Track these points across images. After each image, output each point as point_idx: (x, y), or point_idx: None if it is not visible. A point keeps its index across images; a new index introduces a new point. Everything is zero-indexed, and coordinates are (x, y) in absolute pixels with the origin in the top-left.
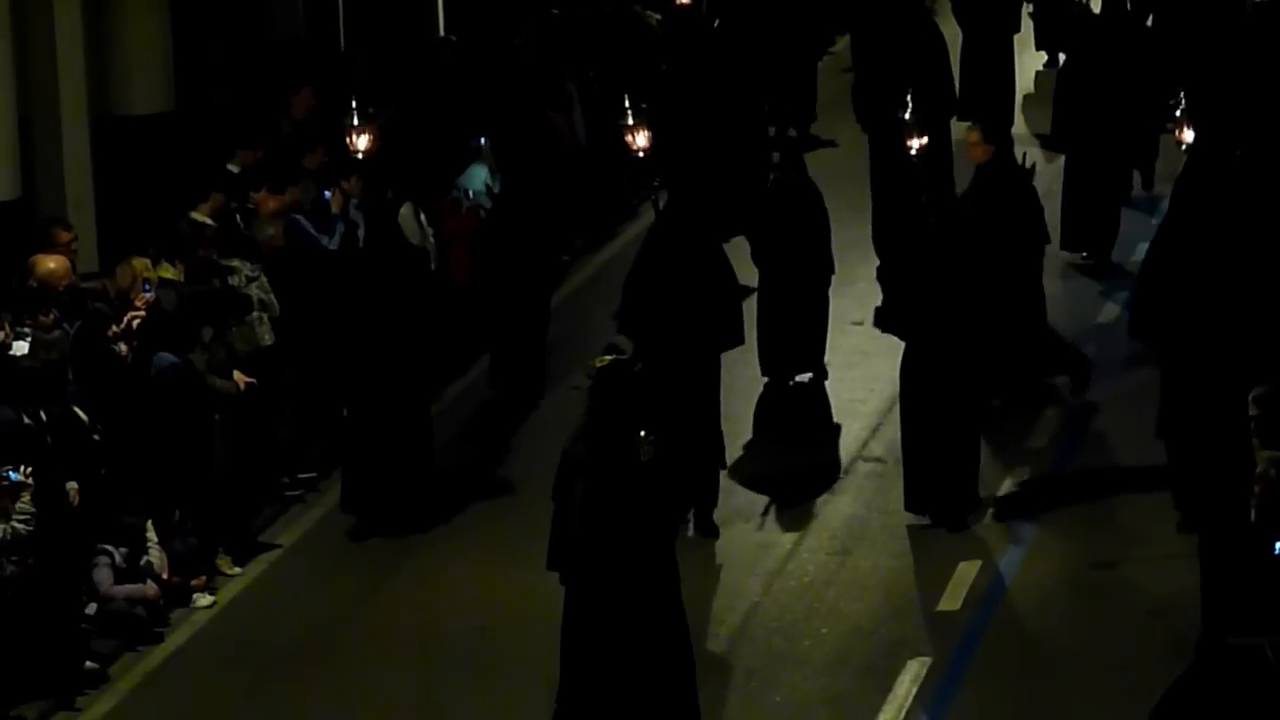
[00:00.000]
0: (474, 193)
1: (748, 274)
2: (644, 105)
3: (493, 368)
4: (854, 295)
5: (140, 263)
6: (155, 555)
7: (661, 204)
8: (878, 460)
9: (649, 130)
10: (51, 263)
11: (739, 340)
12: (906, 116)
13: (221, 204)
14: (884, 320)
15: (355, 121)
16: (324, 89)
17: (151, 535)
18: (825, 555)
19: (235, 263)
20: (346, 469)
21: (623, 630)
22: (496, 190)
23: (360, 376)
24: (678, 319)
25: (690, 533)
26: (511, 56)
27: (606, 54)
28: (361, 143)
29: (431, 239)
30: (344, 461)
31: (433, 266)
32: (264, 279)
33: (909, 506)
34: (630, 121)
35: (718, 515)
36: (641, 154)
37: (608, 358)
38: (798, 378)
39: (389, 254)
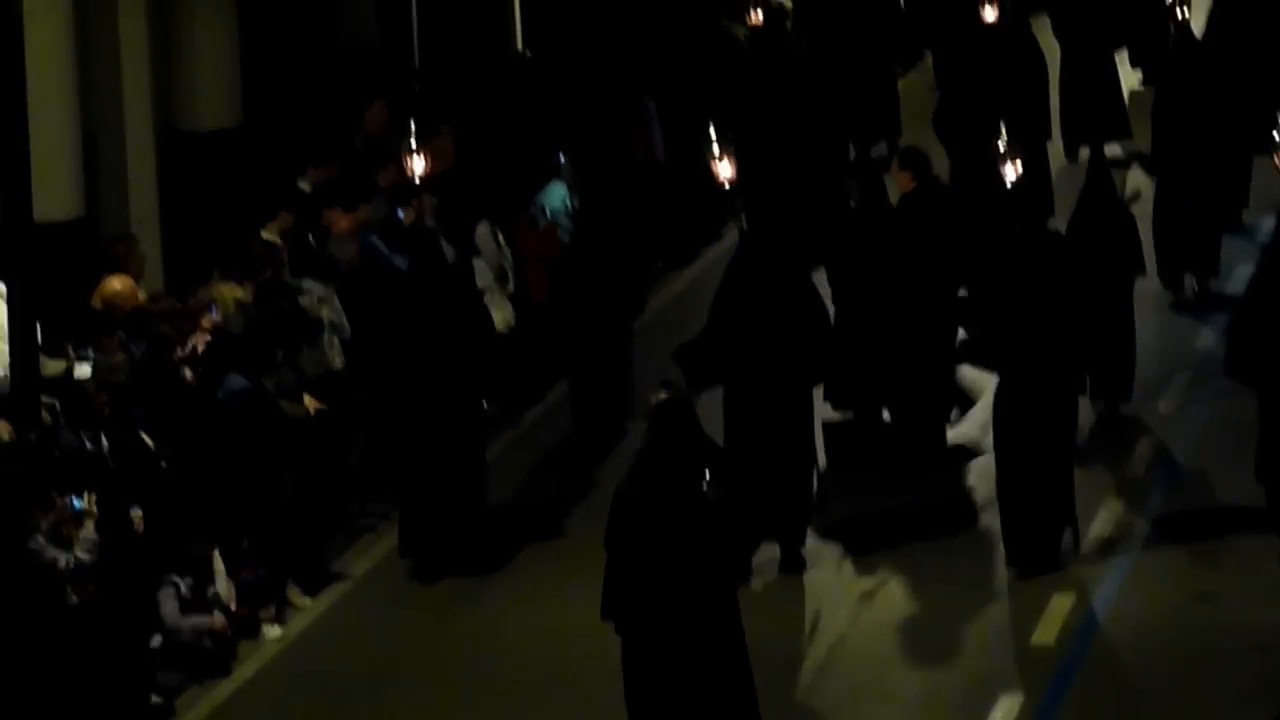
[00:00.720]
0: (552, 211)
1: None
2: (729, 132)
3: (573, 397)
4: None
5: (226, 288)
6: (222, 585)
7: (745, 226)
8: (969, 490)
9: (734, 159)
10: (117, 283)
11: (832, 373)
12: (1000, 142)
13: (291, 223)
14: (972, 353)
15: (413, 144)
16: (397, 103)
17: (219, 564)
18: (915, 588)
19: (306, 283)
20: (401, 510)
21: (682, 676)
22: (575, 208)
23: (408, 409)
24: (767, 352)
25: (777, 568)
26: (590, 71)
27: (689, 69)
28: (419, 166)
29: (509, 258)
30: (399, 502)
31: (511, 287)
32: (335, 300)
33: (1012, 560)
34: (715, 150)
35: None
36: (727, 185)
37: (663, 394)
38: (882, 412)
39: (437, 278)
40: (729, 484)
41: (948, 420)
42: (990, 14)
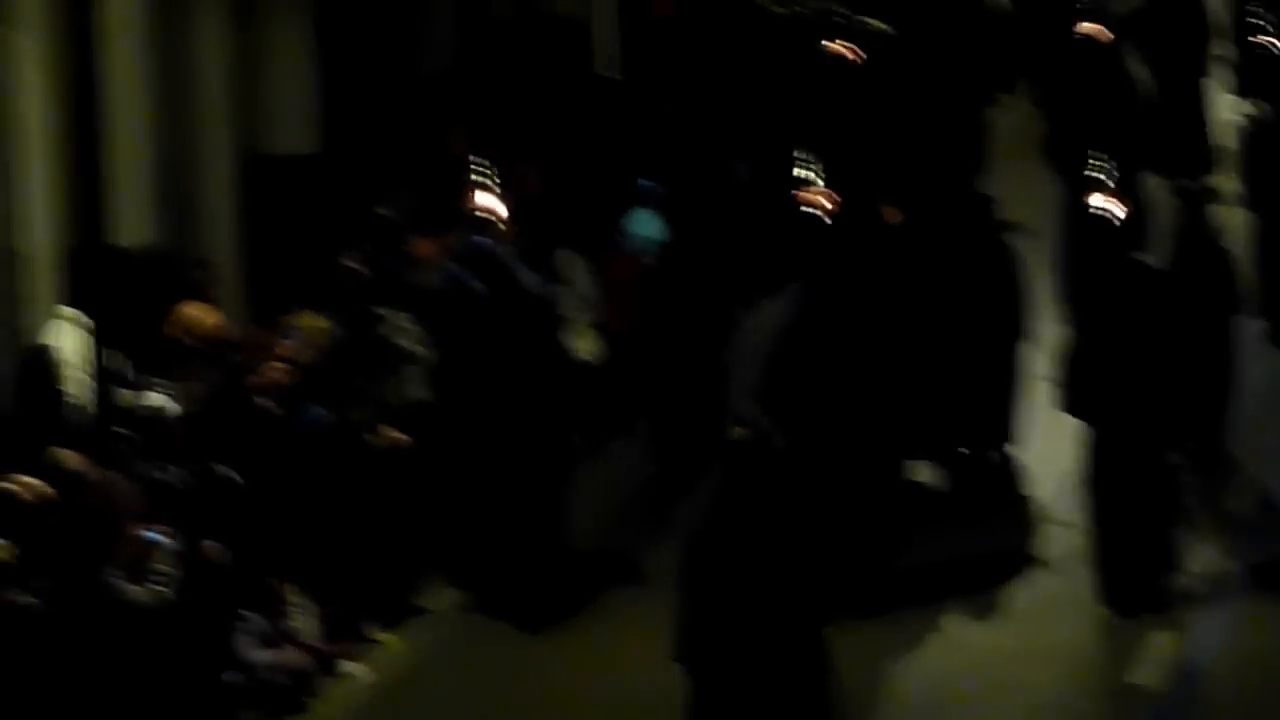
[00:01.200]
0: (641, 238)
1: None
2: (822, 161)
3: (653, 437)
4: (1046, 350)
5: (307, 316)
6: (302, 621)
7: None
8: (1069, 526)
9: (829, 190)
10: (194, 311)
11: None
12: (1099, 174)
13: (373, 251)
14: (1068, 399)
15: (482, 177)
16: (479, 128)
17: (298, 600)
18: (1011, 624)
19: (388, 312)
20: (470, 556)
21: None
22: (664, 236)
23: (487, 443)
24: (855, 392)
25: (856, 609)
26: (682, 93)
27: (788, 91)
28: (484, 200)
29: (594, 287)
30: (466, 547)
31: (597, 316)
32: (418, 329)
33: (1109, 602)
34: (808, 179)
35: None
36: (824, 217)
37: (742, 430)
38: (984, 453)
39: (515, 306)
40: (808, 524)
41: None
42: (1089, 29)
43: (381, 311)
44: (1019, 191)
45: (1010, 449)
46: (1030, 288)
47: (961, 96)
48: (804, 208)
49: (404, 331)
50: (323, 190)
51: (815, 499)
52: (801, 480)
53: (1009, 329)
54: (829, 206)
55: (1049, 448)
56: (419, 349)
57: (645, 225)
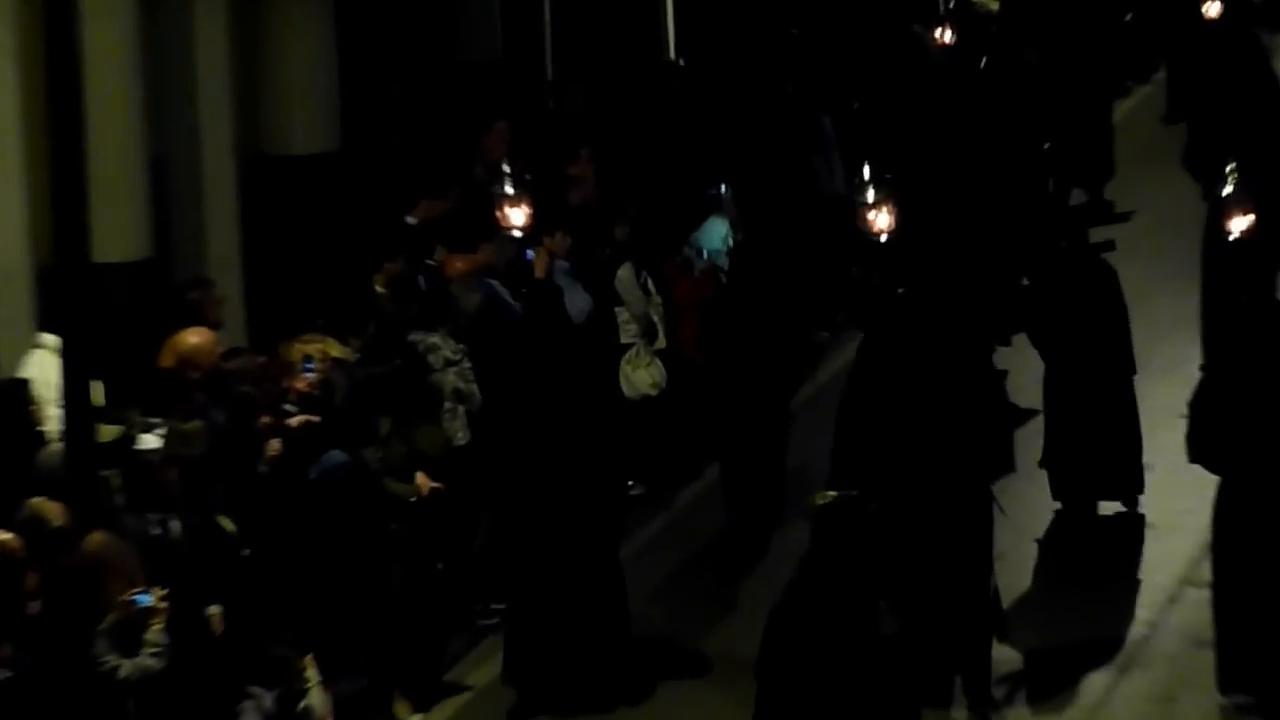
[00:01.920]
0: (710, 252)
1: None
2: (887, 175)
3: (724, 482)
4: (1182, 381)
5: (325, 343)
6: (316, 698)
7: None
8: (1209, 585)
9: (893, 206)
10: (192, 336)
11: (1008, 466)
12: (1228, 190)
13: (405, 267)
14: (1197, 447)
15: (508, 189)
16: (525, 124)
17: (312, 673)
18: (1146, 702)
19: (434, 339)
20: (512, 628)
21: None
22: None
23: (527, 497)
24: (936, 444)
25: (961, 708)
26: (760, 85)
27: (873, 84)
28: (517, 217)
29: (659, 307)
30: (507, 618)
31: (661, 341)
32: (466, 363)
33: (1224, 688)
34: (869, 197)
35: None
36: (882, 238)
37: (831, 494)
38: (1102, 505)
39: (558, 334)
40: (907, 607)
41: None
42: (1214, 10)
43: (415, 338)
44: (1140, 200)
45: (1131, 502)
46: (1127, 313)
47: (1087, 87)
48: (867, 231)
49: (441, 362)
50: (342, 196)
51: (914, 570)
52: (899, 550)
53: (1115, 362)
54: (887, 228)
55: (1188, 499)
56: (458, 382)
57: (717, 237)
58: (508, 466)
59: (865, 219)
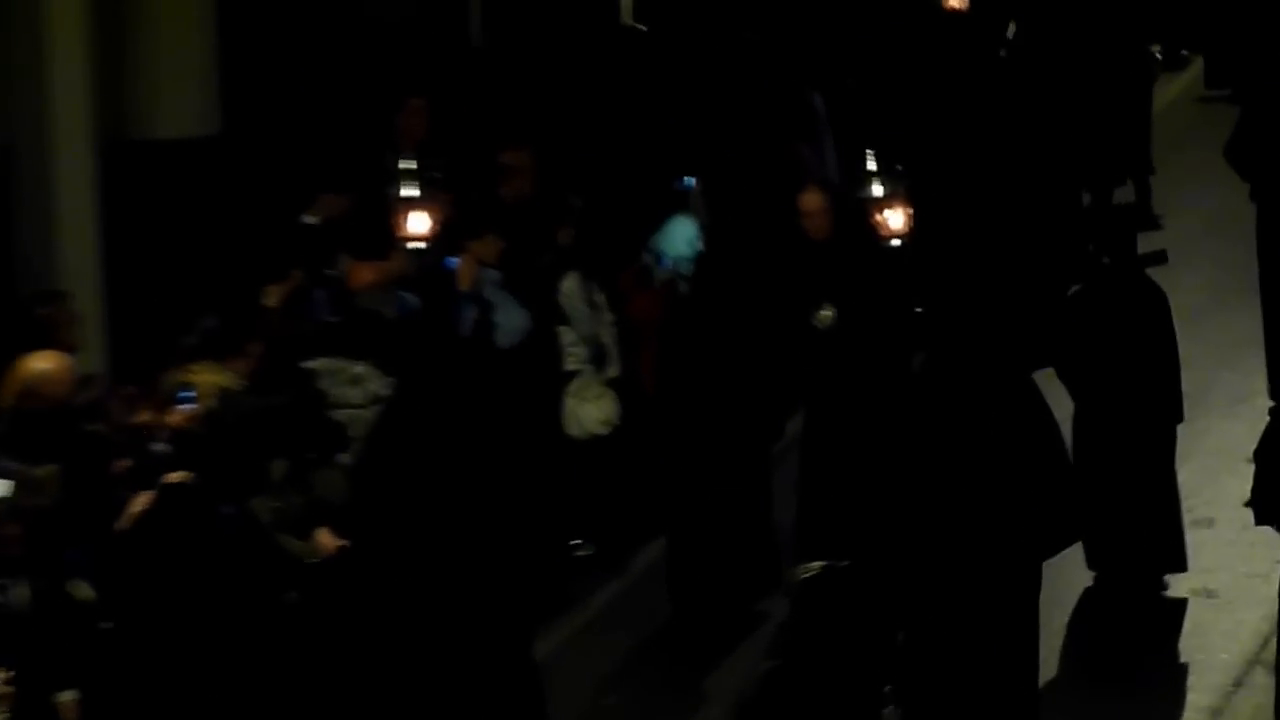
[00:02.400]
0: (674, 259)
1: None
2: (899, 166)
3: (670, 557)
4: (1248, 417)
5: (205, 370)
6: None
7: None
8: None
9: (906, 205)
10: (43, 362)
11: (1075, 535)
12: None
13: (303, 279)
14: (1265, 506)
15: (407, 190)
16: (448, 102)
17: None
18: None
19: (360, 369)
20: None
21: None
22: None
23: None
24: (968, 508)
25: None
26: (735, 56)
27: (873, 54)
28: (419, 224)
29: (612, 327)
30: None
31: (614, 369)
32: (374, 385)
33: None
34: (879, 192)
35: None
36: (896, 242)
37: (816, 565)
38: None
39: (490, 359)
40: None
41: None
42: None
43: (314, 365)
44: (1184, 198)
45: (1170, 577)
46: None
47: (1121, 63)
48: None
49: (370, 397)
50: (224, 190)
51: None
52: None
53: (1160, 405)
54: (902, 229)
55: (1258, 562)
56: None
57: (683, 241)
58: (428, 525)
59: (876, 219)
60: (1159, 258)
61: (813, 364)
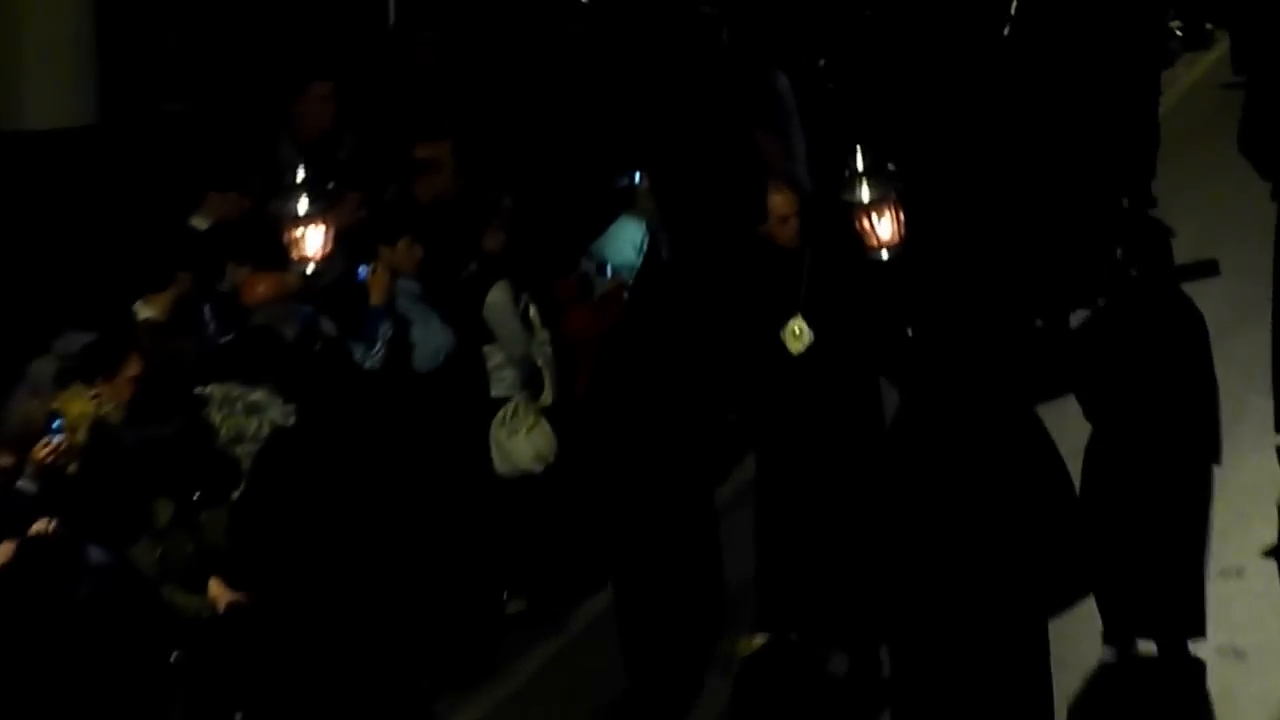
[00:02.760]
0: (619, 267)
1: None
2: (890, 166)
3: (619, 613)
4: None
5: (75, 397)
6: None
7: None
8: None
9: (898, 210)
10: None
11: (1084, 590)
12: None
13: (190, 289)
14: None
15: (297, 203)
16: (356, 87)
17: None
18: None
19: (257, 397)
20: None
21: None
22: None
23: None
24: (964, 571)
25: None
26: (688, 30)
27: (850, 28)
28: (313, 242)
29: (546, 347)
30: None
31: (548, 396)
32: (274, 413)
33: None
34: (867, 195)
35: None
36: (885, 254)
37: (758, 641)
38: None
39: (405, 384)
40: None
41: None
42: None
43: (206, 391)
44: (1201, 197)
45: (1194, 642)
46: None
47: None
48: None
49: (266, 427)
50: (99, 189)
51: None
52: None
53: (1195, 441)
54: (892, 238)
55: None
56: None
57: (629, 246)
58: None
59: (862, 226)
60: (1208, 268)
61: (782, 393)
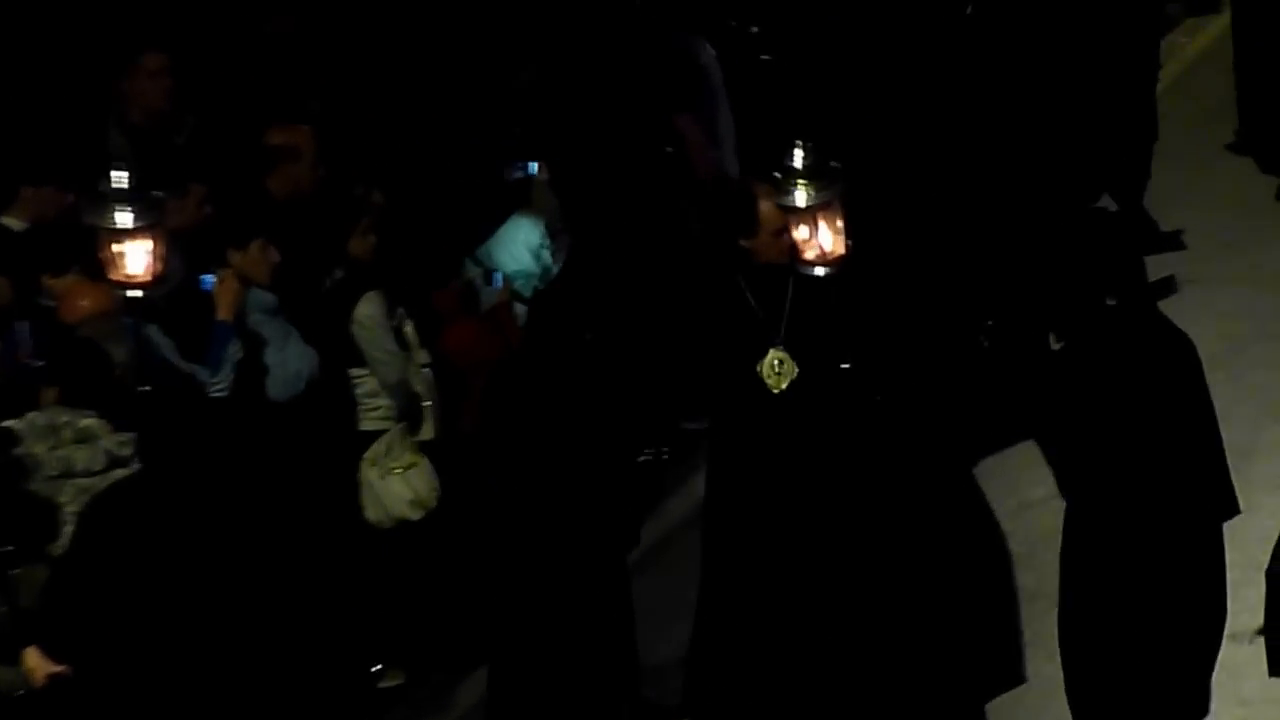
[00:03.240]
0: (512, 274)
1: None
2: (832, 163)
3: (494, 701)
4: None
5: None
6: None
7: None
8: None
9: (839, 218)
10: None
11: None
12: None
13: (10, 296)
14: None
15: (112, 215)
16: (197, 62)
17: None
18: None
19: (89, 422)
20: None
21: None
22: (555, 267)
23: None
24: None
25: None
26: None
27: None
28: (136, 261)
29: (424, 371)
30: None
31: (429, 429)
32: (109, 442)
33: None
34: (803, 199)
35: None
36: (822, 270)
37: None
38: None
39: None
40: None
41: None
42: None
43: (13, 425)
44: (1206, 195)
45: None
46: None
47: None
48: (799, 263)
49: (101, 461)
50: None
51: None
52: None
53: (1200, 495)
54: (832, 251)
55: None
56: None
57: (524, 249)
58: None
59: (796, 238)
60: (1166, 286)
61: (754, 438)
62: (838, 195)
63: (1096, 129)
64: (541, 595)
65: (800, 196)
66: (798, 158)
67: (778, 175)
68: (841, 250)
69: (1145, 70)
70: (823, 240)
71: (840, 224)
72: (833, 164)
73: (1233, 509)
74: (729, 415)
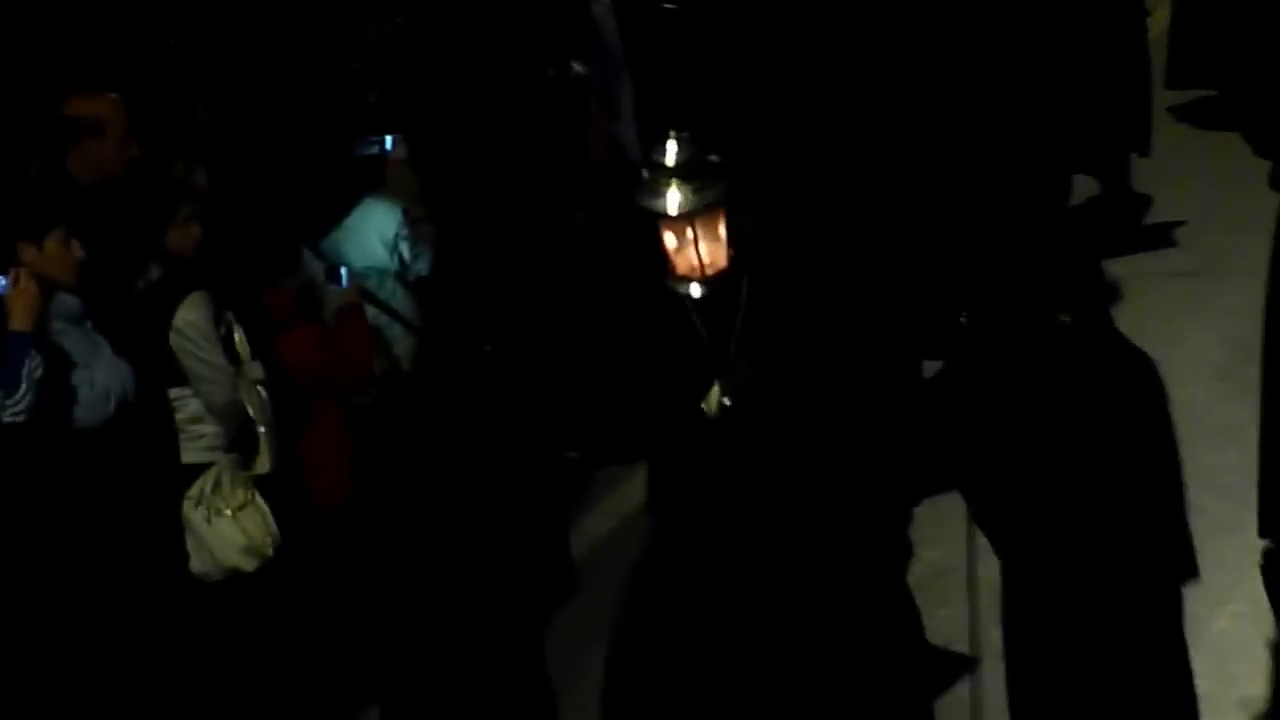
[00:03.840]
0: (363, 270)
1: None
2: (713, 157)
3: None
4: None
5: None
6: None
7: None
8: None
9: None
10: None
11: None
12: None
13: None
14: None
15: None
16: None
17: None
18: None
19: None
20: None
21: None
22: (417, 266)
23: None
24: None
25: None
26: None
27: None
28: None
29: (259, 389)
30: None
31: (264, 461)
32: None
33: None
34: (677, 204)
35: None
36: (698, 289)
37: None
38: None
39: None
40: None
41: None
42: None
43: None
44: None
45: None
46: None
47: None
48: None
49: None
50: None
51: None
52: None
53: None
54: (712, 266)
55: None
56: None
57: (377, 241)
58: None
59: (669, 248)
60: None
61: (700, 471)
62: (719, 198)
63: (1073, 94)
64: (413, 660)
65: (670, 202)
66: (670, 153)
67: (644, 173)
68: (723, 263)
69: (1132, 18)
70: (700, 251)
71: (722, 231)
72: (712, 159)
73: (1191, 570)
74: (668, 446)
